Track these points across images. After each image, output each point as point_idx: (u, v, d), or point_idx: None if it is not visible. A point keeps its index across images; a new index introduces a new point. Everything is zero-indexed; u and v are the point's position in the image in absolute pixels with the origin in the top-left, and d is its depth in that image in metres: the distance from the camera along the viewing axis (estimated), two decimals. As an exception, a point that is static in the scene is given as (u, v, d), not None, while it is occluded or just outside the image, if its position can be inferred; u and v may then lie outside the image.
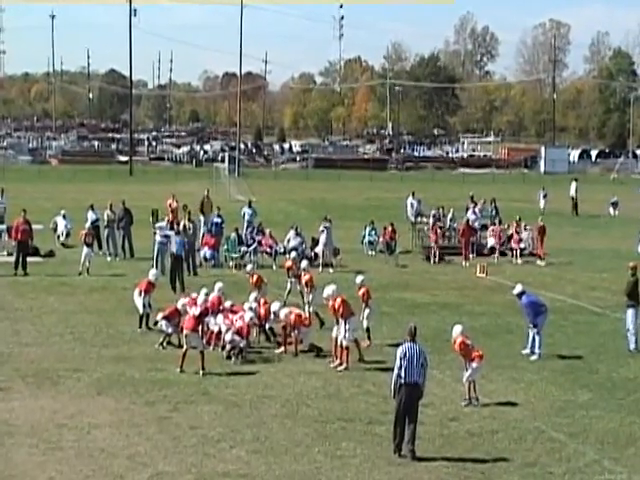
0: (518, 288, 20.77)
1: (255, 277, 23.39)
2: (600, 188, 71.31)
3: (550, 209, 52.26)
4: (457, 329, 17.08)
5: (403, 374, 14.29)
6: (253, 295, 22.00)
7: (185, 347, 18.86)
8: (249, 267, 25.49)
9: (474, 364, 16.90)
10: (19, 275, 29.73)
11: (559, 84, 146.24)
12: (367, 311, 21.03)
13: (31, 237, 31.07)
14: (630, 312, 20.95)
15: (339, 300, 19.43)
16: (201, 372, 18.43)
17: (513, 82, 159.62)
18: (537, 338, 20.29)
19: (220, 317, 20.65)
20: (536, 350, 20.27)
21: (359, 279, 21.51)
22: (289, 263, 25.57)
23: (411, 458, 14.14)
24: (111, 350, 20.41)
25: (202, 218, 35.52)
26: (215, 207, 35.69)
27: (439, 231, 35.81)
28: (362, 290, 21.17)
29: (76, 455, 14.07)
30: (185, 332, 18.96)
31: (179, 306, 20.46)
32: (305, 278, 23.14)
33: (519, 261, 34.65)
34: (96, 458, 13.96)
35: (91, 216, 34.29)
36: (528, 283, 24.17)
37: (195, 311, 19.28)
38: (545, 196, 53.36)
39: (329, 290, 19.95)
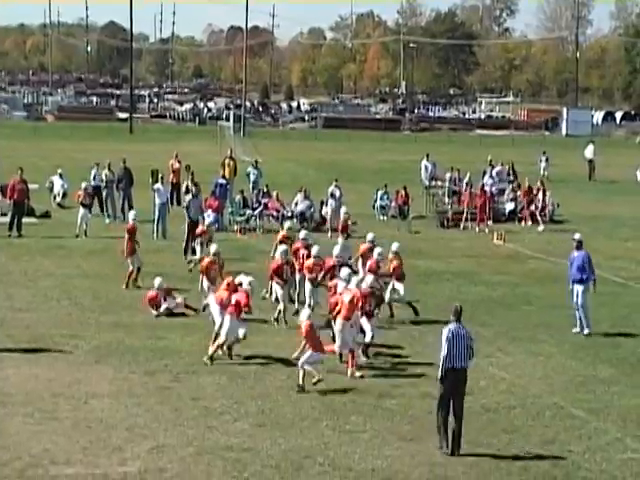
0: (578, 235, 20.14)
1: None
2: (625, 152, 70.32)
3: (570, 174, 51.20)
4: (305, 313, 16.36)
5: (452, 360, 13.18)
6: None
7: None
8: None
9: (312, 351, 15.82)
10: (13, 237, 29.16)
11: (582, 42, 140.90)
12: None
13: (28, 197, 30.40)
14: None
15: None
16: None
17: (534, 39, 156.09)
18: (582, 312, 19.42)
19: None
20: (584, 324, 19.42)
21: (395, 246, 20.80)
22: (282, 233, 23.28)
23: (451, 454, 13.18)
24: (110, 316, 19.93)
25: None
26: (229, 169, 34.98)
27: (465, 194, 34.47)
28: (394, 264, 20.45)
29: (73, 426, 13.74)
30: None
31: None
32: (394, 264, 20.71)
33: (541, 227, 33.80)
34: (94, 429, 13.63)
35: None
36: (548, 251, 23.66)
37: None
38: (547, 160, 51.93)
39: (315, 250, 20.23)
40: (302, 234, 22.07)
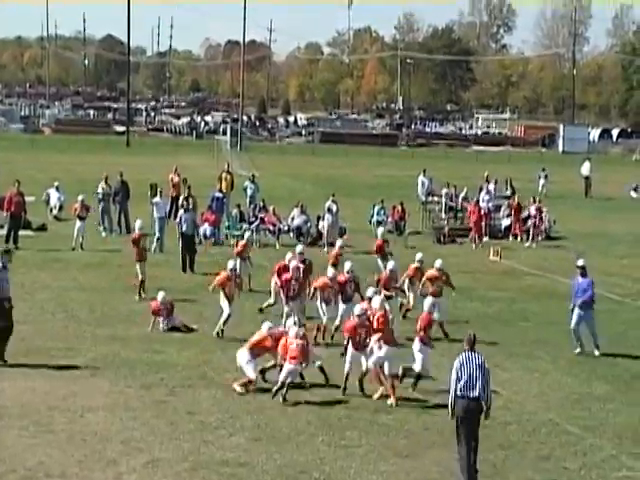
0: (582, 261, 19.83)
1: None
2: (621, 169, 70.38)
3: (567, 190, 51.28)
4: (377, 299, 16.32)
5: (462, 388, 12.52)
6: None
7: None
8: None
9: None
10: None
11: (579, 59, 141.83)
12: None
13: (25, 210, 30.37)
14: None
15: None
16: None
17: (531, 56, 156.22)
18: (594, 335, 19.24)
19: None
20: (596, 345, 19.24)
21: (438, 263, 20.77)
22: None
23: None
24: (106, 329, 19.89)
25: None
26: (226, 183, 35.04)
27: (471, 208, 34.27)
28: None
29: (68, 439, 13.70)
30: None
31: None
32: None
33: (533, 244, 33.87)
34: (89, 442, 13.59)
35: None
36: (544, 267, 23.64)
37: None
38: (546, 177, 52.06)
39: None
40: (299, 249, 21.96)
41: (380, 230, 26.59)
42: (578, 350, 19.25)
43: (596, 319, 19.54)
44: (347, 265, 20.08)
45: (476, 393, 12.49)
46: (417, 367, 16.32)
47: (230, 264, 20.25)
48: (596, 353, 19.22)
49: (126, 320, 20.73)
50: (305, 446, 13.73)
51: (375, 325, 16.13)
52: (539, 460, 13.58)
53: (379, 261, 24.53)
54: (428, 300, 17.33)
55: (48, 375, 16.59)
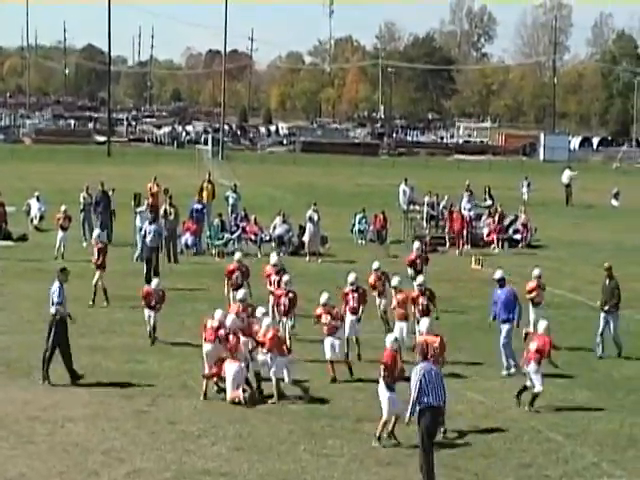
0: (499, 273, 19.22)
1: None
2: (602, 177, 70.65)
3: (548, 198, 51.41)
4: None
5: (430, 400, 12.57)
6: None
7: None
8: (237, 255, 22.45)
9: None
10: (-10, 259, 28.91)
11: (560, 68, 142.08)
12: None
13: (5, 220, 30.24)
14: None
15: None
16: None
17: (511, 65, 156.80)
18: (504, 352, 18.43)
19: None
20: (510, 364, 18.32)
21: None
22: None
23: None
24: (86, 340, 19.81)
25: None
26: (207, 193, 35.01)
27: (456, 216, 34.38)
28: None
29: (49, 450, 13.66)
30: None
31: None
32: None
33: (498, 250, 34.11)
34: (70, 453, 13.56)
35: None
36: (525, 275, 23.49)
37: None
38: (529, 185, 52.27)
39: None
40: (273, 259, 21.53)
41: (416, 244, 25.43)
42: (504, 372, 18.33)
43: (570, 324, 19.39)
44: (351, 277, 19.53)
45: (441, 401, 12.76)
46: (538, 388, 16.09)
47: (240, 294, 18.76)
48: (512, 371, 18.21)
49: (107, 330, 20.70)
50: (287, 455, 13.72)
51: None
52: (521, 468, 13.60)
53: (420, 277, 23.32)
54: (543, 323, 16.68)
55: (28, 385, 16.53)
